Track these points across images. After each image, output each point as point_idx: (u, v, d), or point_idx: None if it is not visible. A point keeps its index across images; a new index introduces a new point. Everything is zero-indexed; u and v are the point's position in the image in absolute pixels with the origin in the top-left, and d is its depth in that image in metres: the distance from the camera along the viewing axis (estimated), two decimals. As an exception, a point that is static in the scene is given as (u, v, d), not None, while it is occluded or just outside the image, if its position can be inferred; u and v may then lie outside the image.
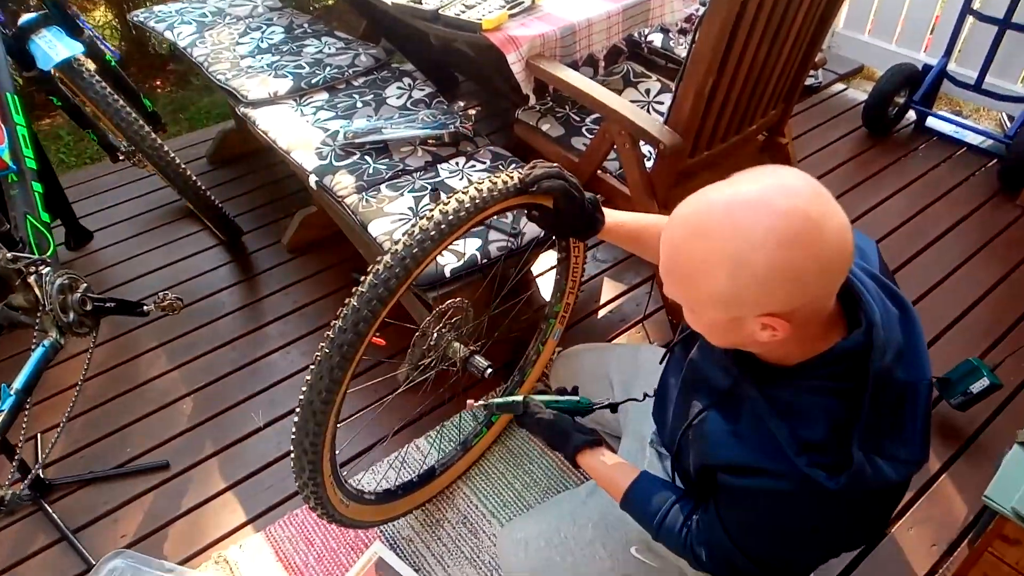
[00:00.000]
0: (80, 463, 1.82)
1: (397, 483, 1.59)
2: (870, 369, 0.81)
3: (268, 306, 2.25)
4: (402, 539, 1.62)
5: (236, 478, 1.77)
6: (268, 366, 2.06)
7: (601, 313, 2.20)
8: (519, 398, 1.26)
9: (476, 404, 1.31)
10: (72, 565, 1.62)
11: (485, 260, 1.67)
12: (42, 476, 1.74)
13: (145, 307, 1.82)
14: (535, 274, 2.32)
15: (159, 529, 1.68)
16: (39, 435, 1.87)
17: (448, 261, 1.65)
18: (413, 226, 1.17)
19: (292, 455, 1.22)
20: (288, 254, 2.44)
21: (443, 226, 1.16)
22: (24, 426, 1.52)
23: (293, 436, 1.19)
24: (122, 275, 2.39)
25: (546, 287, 2.27)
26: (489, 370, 1.42)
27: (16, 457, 1.54)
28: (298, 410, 1.17)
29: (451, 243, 1.21)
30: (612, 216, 1.25)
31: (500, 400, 1.28)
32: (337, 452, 1.30)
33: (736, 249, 0.74)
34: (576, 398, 1.28)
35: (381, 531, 1.63)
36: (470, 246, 1.68)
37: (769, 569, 0.96)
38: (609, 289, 2.27)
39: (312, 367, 1.15)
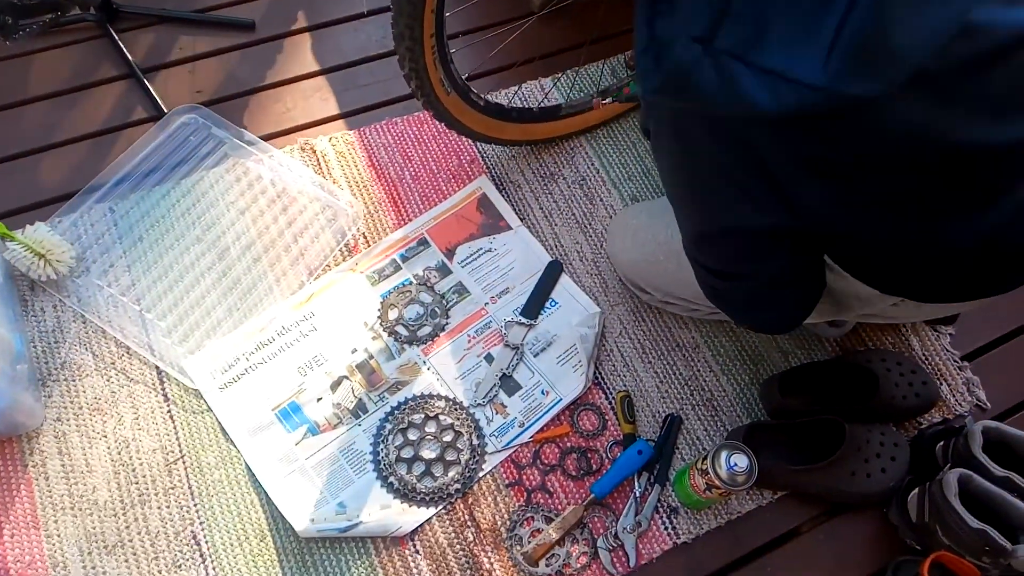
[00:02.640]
0: (153, -3, 1.54)
1: (513, 105, 1.33)
2: None
3: None
4: (511, 183, 1.41)
5: (330, 64, 1.51)
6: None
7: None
8: None
9: (606, 102, 1.03)
10: (140, 105, 1.42)
11: None
12: (111, -2, 1.46)
13: None
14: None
15: (240, 95, 1.45)
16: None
17: None
18: None
19: None
20: None
21: None
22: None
23: None
24: None
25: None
26: None
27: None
28: None
29: None
30: None
31: None
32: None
33: None
34: None
35: (490, 168, 1.42)
36: None
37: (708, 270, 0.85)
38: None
39: None
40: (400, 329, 1.23)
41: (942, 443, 1.14)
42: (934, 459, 1.14)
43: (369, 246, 1.31)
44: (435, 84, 1.12)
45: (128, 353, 1.18)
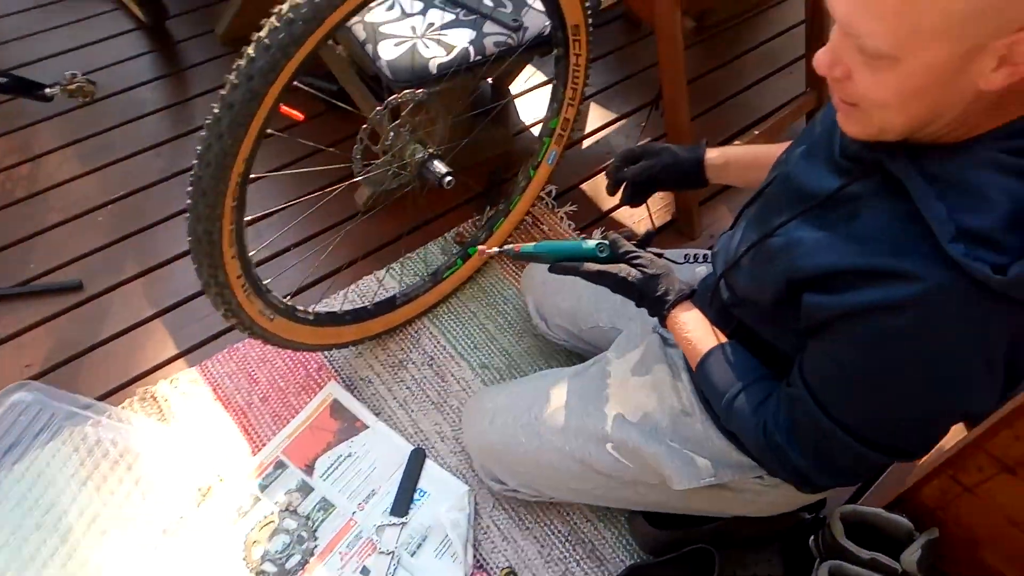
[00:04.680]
0: (-28, 278, 1.54)
1: (345, 309, 1.37)
2: None
3: (198, 109, 1.90)
4: (360, 380, 1.43)
5: (164, 305, 1.53)
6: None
7: (586, 143, 1.94)
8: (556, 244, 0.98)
9: (491, 251, 1.02)
10: (-32, 395, 1.38)
11: (479, 57, 1.36)
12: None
13: (48, 90, 1.47)
14: (514, 93, 2.02)
15: (71, 359, 1.44)
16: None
17: (435, 54, 1.34)
18: None
19: (188, 242, 1.00)
20: (223, 47, 2.04)
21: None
22: None
23: (186, 221, 0.99)
24: (17, 56, 1.97)
25: (532, 108, 1.98)
26: (448, 178, 1.18)
27: None
28: (188, 188, 0.95)
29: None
30: (716, 156, 1.07)
31: (531, 246, 0.98)
32: (255, 253, 1.11)
33: None
34: (593, 242, 0.98)
35: (337, 371, 1.44)
36: (461, 38, 1.36)
37: (877, 446, 0.73)
38: (597, 117, 2.00)
39: (202, 133, 0.92)
40: (267, 567, 1.18)
41: (813, 536, 1.17)
42: (809, 553, 1.17)
43: (224, 483, 1.28)
44: (255, 316, 1.15)
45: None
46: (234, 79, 0.90)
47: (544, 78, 2.04)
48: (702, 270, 1.12)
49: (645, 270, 0.93)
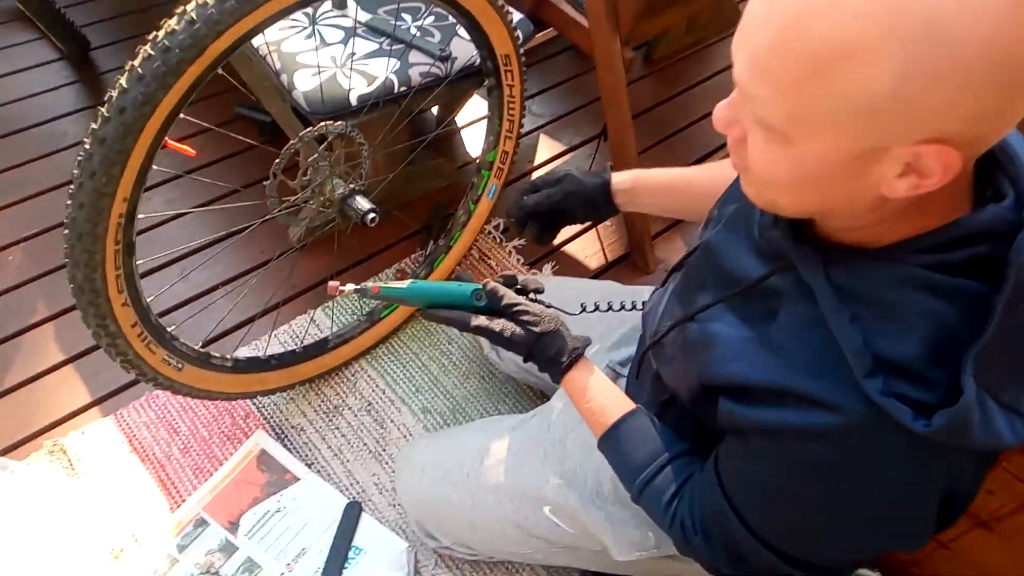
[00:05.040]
0: None
1: (271, 352, 1.28)
2: (1011, 262, 0.49)
3: (126, 140, 1.80)
4: (291, 428, 1.33)
5: (76, 350, 1.41)
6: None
7: (536, 175, 1.89)
8: (425, 284, 0.86)
9: (344, 288, 0.84)
10: None
11: (404, 88, 1.31)
12: None
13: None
14: (459, 125, 1.97)
15: (-30, 410, 1.31)
16: None
17: (355, 85, 1.27)
18: None
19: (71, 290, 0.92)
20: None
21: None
22: None
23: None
24: (-74, 87, 1.85)
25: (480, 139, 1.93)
26: (372, 215, 1.10)
27: None
28: (64, 231, 0.87)
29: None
30: (623, 180, 0.98)
31: (396, 287, 0.84)
32: (153, 296, 1.03)
33: (936, 9, 0.42)
34: (472, 285, 0.85)
35: (266, 419, 1.34)
36: (383, 68, 1.30)
37: (791, 560, 0.66)
38: (546, 149, 1.96)
39: (75, 172, 0.84)
40: (181, 638, 1.07)
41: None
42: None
43: (139, 543, 1.17)
44: (157, 366, 1.05)
45: None
46: (105, 112, 0.82)
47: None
48: (602, 327, 1.05)
49: (531, 328, 0.81)
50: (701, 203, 0.85)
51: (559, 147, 1.96)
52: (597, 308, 0.95)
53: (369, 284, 0.85)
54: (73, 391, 1.35)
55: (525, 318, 0.82)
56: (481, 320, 0.82)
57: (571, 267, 1.67)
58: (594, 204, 0.98)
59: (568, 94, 2.10)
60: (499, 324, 0.82)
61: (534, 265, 1.66)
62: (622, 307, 0.96)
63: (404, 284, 0.84)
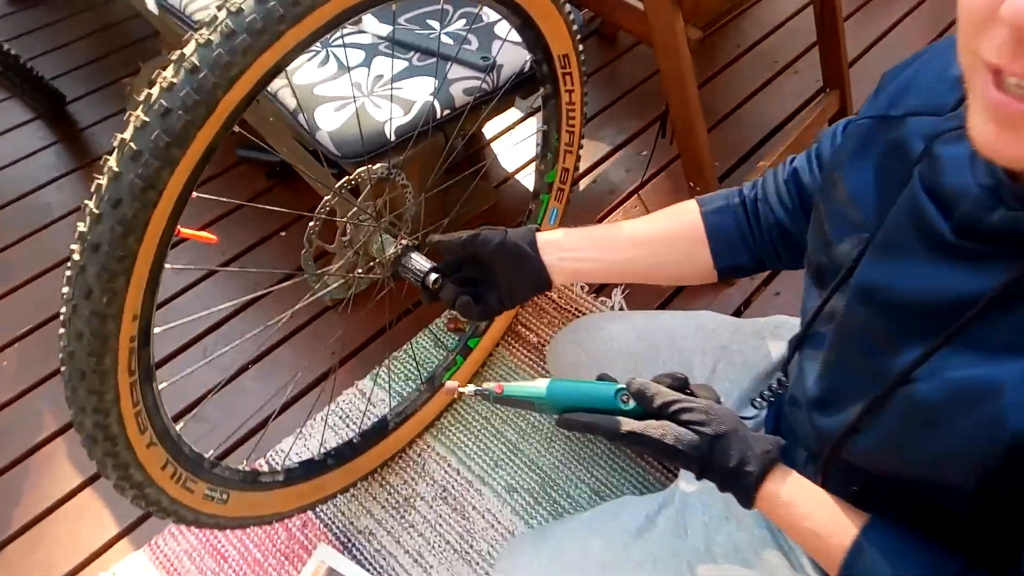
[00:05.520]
0: None
1: (325, 449, 1.06)
2: None
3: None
4: (359, 533, 1.12)
5: (94, 468, 1.19)
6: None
7: (582, 185, 1.67)
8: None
9: (464, 390, 0.69)
10: None
11: (448, 110, 1.08)
12: None
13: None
14: (487, 138, 1.74)
15: (-20, 563, 1.11)
16: None
17: (391, 115, 1.05)
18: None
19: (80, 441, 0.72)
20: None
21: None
22: None
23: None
24: None
25: (513, 151, 1.71)
26: (434, 275, 0.87)
27: None
28: (61, 368, 0.66)
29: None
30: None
31: (527, 388, 0.67)
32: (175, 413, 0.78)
33: None
34: (615, 384, 0.66)
35: (326, 525, 1.12)
36: (421, 90, 1.08)
37: None
38: (588, 151, 1.71)
39: (63, 289, 0.64)
40: None
41: None
42: None
43: None
44: (199, 505, 0.84)
45: None
46: (94, 207, 0.60)
47: (520, 114, 1.77)
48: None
49: (701, 430, 0.62)
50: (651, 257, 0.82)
51: (603, 148, 1.73)
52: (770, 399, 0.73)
53: (492, 385, 0.67)
54: (96, 520, 1.14)
55: (689, 416, 0.62)
56: (634, 424, 0.62)
57: (641, 288, 1.45)
58: (519, 262, 0.83)
59: (600, 87, 1.86)
60: (658, 428, 0.62)
61: (601, 291, 1.44)
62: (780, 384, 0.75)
63: (536, 385, 0.66)
